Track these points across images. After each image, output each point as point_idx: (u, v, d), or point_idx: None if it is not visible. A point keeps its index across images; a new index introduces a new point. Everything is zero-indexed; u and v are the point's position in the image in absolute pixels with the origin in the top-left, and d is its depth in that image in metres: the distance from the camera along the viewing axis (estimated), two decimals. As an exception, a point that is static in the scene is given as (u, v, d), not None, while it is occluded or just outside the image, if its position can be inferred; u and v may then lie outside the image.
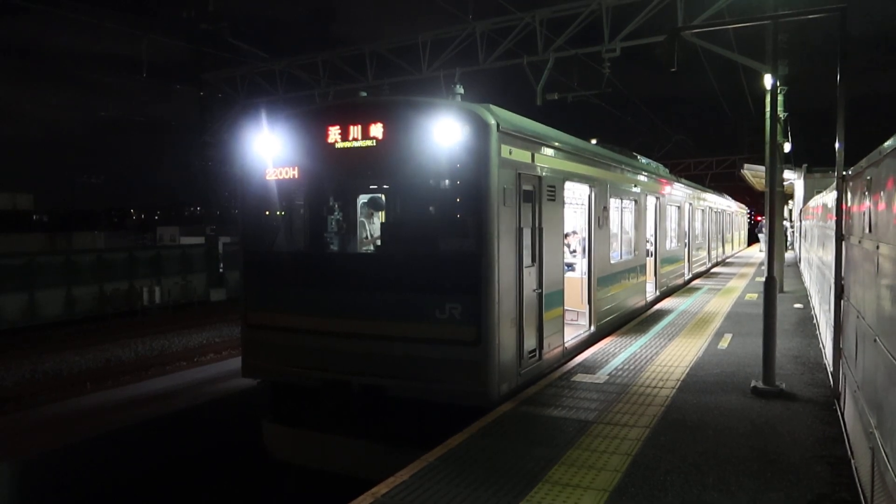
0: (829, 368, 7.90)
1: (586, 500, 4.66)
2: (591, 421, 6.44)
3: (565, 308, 9.13)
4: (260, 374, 8.24)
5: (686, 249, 19.56)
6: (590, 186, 10.18)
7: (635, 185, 13.10)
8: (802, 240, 22.60)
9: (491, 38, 19.59)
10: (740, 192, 49.69)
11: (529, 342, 7.71)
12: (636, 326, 11.94)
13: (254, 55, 24.71)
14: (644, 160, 15.31)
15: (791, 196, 33.71)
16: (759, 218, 53.27)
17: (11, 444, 8.67)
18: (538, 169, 8.00)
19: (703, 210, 23.12)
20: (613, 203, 11.53)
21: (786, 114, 19.90)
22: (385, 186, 8.45)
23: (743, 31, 16.17)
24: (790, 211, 35.22)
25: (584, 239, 10.86)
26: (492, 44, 19.60)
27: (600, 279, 10.63)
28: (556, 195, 8.60)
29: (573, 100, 20.79)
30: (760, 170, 24.78)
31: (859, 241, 5.22)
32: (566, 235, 9.92)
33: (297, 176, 7.87)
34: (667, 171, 18.64)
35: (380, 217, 8.63)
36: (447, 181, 7.42)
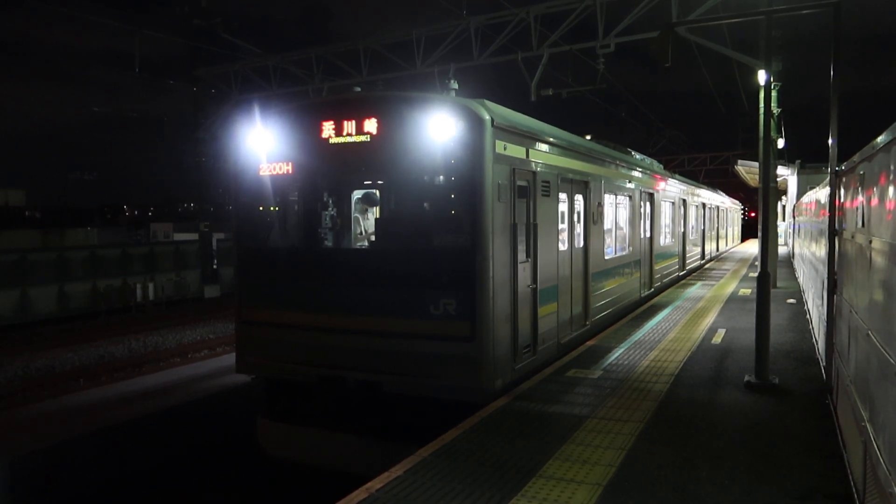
0: (822, 363, 7.94)
1: (580, 494, 4.67)
2: (585, 416, 6.46)
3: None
4: (254, 371, 8.23)
5: (680, 245, 19.62)
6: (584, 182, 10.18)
7: (630, 181, 13.12)
8: (796, 235, 22.68)
9: (485, 33, 19.56)
10: (734, 188, 49.91)
11: (524, 337, 7.72)
12: (630, 322, 11.97)
13: (247, 51, 24.62)
14: (638, 156, 15.32)
15: (784, 192, 33.85)
16: (752, 214, 53.41)
17: (4, 441, 8.63)
18: (532, 164, 8.00)
19: (697, 206, 23.17)
20: (608, 199, 11.55)
21: (779, 110, 19.98)
22: (379, 182, 8.43)
23: (737, 26, 16.20)
24: (783, 207, 35.34)
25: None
26: (486, 39, 19.59)
27: (595, 275, 10.65)
28: (550, 191, 8.60)
29: (567, 95, 20.80)
30: (754, 166, 24.85)
31: (852, 237, 5.23)
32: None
33: (290, 171, 7.84)
34: (661, 167, 18.68)
35: (374, 213, 8.61)
36: (442, 177, 7.40)
